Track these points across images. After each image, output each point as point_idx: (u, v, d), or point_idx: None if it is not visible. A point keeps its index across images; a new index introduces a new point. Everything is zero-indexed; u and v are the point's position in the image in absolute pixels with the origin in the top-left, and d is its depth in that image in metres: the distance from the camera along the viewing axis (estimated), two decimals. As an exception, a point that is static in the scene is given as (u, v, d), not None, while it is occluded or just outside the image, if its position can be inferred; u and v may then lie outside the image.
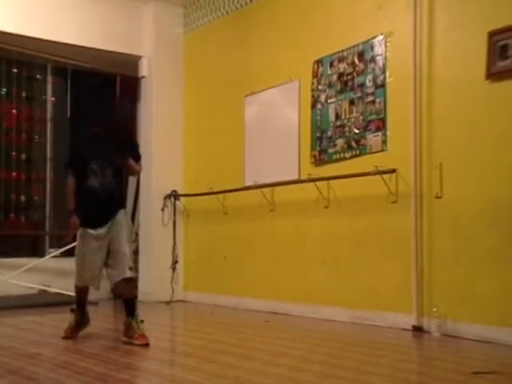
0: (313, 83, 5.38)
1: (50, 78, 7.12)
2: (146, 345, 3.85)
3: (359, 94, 4.96)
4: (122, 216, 4.15)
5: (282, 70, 5.66)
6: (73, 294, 6.33)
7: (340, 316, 4.95)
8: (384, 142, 4.73)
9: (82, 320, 4.30)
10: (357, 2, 5.06)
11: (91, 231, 4.06)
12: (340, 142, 5.09)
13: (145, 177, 6.94)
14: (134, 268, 4.15)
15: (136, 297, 4.23)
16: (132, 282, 4.09)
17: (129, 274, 3.98)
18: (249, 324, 5.07)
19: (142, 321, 4.02)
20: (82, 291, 4.30)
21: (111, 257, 4.05)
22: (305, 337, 4.34)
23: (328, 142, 5.20)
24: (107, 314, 6.16)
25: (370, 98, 4.86)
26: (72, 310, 4.32)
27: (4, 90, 6.81)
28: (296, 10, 5.63)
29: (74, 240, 4.27)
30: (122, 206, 4.32)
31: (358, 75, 4.98)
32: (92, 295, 6.49)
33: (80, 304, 4.33)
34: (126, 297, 4.09)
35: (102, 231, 4.06)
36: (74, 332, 4.22)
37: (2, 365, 3.27)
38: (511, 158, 3.94)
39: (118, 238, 4.04)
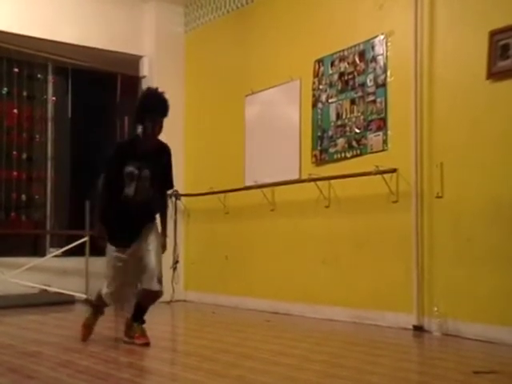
0: (314, 83, 5.38)
1: (50, 78, 7.11)
2: (147, 344, 3.84)
3: (360, 94, 4.96)
4: (154, 226, 3.96)
5: (282, 70, 5.66)
6: (73, 293, 6.40)
7: (341, 315, 4.95)
8: (385, 141, 4.73)
9: (96, 314, 4.12)
10: (358, 2, 5.06)
11: (120, 254, 3.86)
12: (341, 141, 5.09)
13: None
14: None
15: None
16: (157, 297, 3.91)
17: (157, 287, 3.80)
18: (250, 323, 5.07)
19: (143, 321, 4.00)
20: (104, 303, 4.08)
21: (142, 265, 3.85)
22: (306, 336, 4.34)
23: (329, 141, 5.20)
24: (108, 313, 6.15)
25: (371, 98, 4.86)
26: (87, 301, 4.17)
27: (5, 89, 6.81)
28: (297, 9, 5.63)
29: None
30: (155, 215, 4.05)
31: (358, 75, 4.98)
32: (93, 294, 6.52)
33: (101, 308, 4.13)
34: (144, 305, 3.98)
35: (131, 250, 3.86)
36: (90, 330, 4.07)
37: (3, 363, 3.27)
38: (512, 157, 3.94)
39: (148, 251, 3.84)
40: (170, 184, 4.05)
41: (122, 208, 3.85)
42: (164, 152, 3.97)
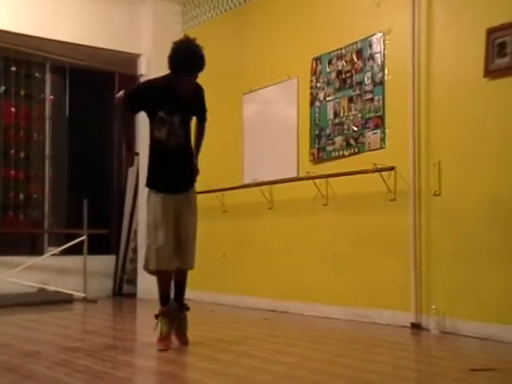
0: (311, 81, 5.38)
1: (48, 76, 7.11)
2: (162, 350, 3.59)
3: (358, 92, 4.96)
4: (194, 197, 3.77)
5: (280, 68, 5.66)
6: (71, 292, 6.40)
7: (339, 314, 4.95)
8: (382, 139, 4.73)
9: (171, 322, 3.74)
10: (355, 0, 5.06)
11: (164, 195, 3.62)
12: (339, 139, 5.10)
13: (144, 174, 6.94)
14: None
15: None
16: (186, 271, 3.79)
17: (190, 263, 3.70)
18: (248, 322, 5.07)
19: (185, 307, 3.86)
20: (164, 277, 3.72)
21: (178, 240, 3.65)
22: (304, 334, 4.34)
23: (326, 139, 5.20)
24: (106, 311, 6.17)
25: (369, 96, 4.86)
26: (156, 317, 3.74)
27: (2, 88, 6.81)
28: (294, 7, 5.62)
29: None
30: (195, 177, 3.86)
31: (356, 73, 4.98)
32: (91, 293, 6.55)
33: (164, 297, 3.75)
34: (182, 282, 3.82)
35: (173, 199, 3.62)
36: (168, 341, 3.67)
37: (1, 363, 3.27)
38: (510, 155, 3.94)
39: (187, 222, 3.67)
40: (204, 116, 3.97)
41: (157, 152, 3.70)
42: (198, 94, 3.83)
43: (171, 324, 3.75)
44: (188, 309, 3.89)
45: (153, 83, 3.81)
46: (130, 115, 3.86)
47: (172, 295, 3.88)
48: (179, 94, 3.66)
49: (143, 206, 6.92)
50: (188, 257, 3.72)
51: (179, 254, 3.68)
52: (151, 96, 3.68)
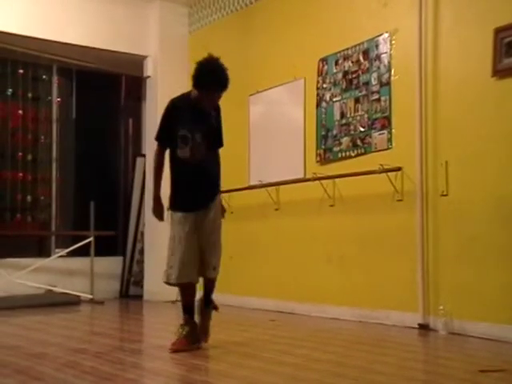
0: (318, 82, 5.37)
1: (55, 79, 7.14)
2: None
3: (364, 92, 4.95)
4: (218, 210, 3.76)
5: (286, 69, 5.66)
6: (78, 293, 6.42)
7: (346, 315, 4.94)
8: (389, 140, 4.72)
9: (193, 331, 3.71)
10: (362, 0, 5.05)
11: (185, 214, 3.65)
12: (345, 140, 5.09)
13: (150, 176, 6.95)
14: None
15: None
16: (213, 281, 3.85)
17: (213, 274, 3.75)
18: (254, 323, 5.06)
19: (213, 306, 3.89)
20: (186, 289, 3.74)
21: (204, 248, 3.69)
22: (311, 335, 4.33)
23: (333, 140, 5.19)
24: (113, 313, 6.18)
25: (375, 96, 4.85)
26: (182, 326, 3.71)
27: (10, 90, 6.84)
28: (300, 8, 5.62)
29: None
30: (218, 186, 3.85)
31: (363, 73, 4.97)
32: (98, 294, 6.56)
33: (188, 308, 3.75)
34: (209, 291, 3.88)
35: (195, 216, 3.65)
36: (182, 343, 3.63)
37: (10, 364, 3.28)
38: (517, 155, 3.93)
39: (209, 237, 3.69)
40: (220, 142, 3.86)
41: (180, 172, 3.68)
42: (216, 111, 3.81)
43: (193, 331, 3.71)
44: (215, 308, 3.89)
45: (172, 104, 3.76)
46: (163, 158, 3.75)
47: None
48: (200, 110, 3.67)
49: (149, 207, 6.96)
50: (211, 268, 3.74)
51: (204, 265, 3.72)
52: (173, 114, 3.69)
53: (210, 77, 3.59)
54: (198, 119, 3.67)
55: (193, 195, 3.69)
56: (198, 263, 3.70)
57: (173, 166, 3.74)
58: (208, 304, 3.88)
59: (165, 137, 3.71)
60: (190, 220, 3.67)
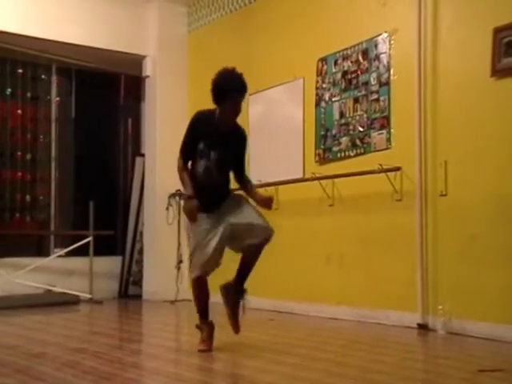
0: (317, 81, 5.37)
1: (54, 78, 7.13)
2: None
3: (363, 92, 4.95)
4: (236, 196, 3.76)
5: (286, 69, 5.66)
6: (77, 293, 6.41)
7: (345, 314, 4.94)
8: (388, 139, 4.72)
9: (211, 329, 3.73)
10: (361, 0, 5.05)
11: (203, 214, 3.61)
12: (344, 140, 5.09)
13: (149, 176, 6.96)
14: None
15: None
16: (270, 237, 3.73)
17: (265, 233, 3.65)
18: (253, 323, 5.06)
19: (245, 291, 3.80)
20: (200, 286, 3.72)
21: (239, 234, 3.61)
22: (310, 335, 4.33)
23: (332, 140, 5.20)
24: (112, 313, 6.18)
25: (375, 96, 4.85)
26: (198, 327, 3.76)
27: (9, 90, 6.83)
28: (300, 7, 5.62)
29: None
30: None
31: (362, 73, 4.97)
32: (97, 294, 6.56)
33: (203, 311, 3.77)
34: (250, 262, 3.75)
35: (214, 216, 3.62)
36: (209, 344, 3.66)
37: (9, 364, 3.28)
38: (516, 155, 3.93)
39: (239, 211, 3.63)
40: (242, 168, 3.87)
41: (197, 182, 3.68)
42: (239, 137, 3.81)
43: (212, 329, 3.72)
44: (246, 292, 3.79)
45: (197, 117, 3.78)
46: (186, 172, 3.74)
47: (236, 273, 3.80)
48: (220, 130, 3.68)
49: (148, 207, 6.98)
50: (258, 230, 3.64)
51: (249, 236, 3.63)
52: (197, 127, 3.71)
53: (227, 84, 3.64)
54: (216, 138, 3.67)
55: (206, 202, 3.65)
56: (216, 261, 3.65)
57: (191, 173, 3.73)
58: (241, 289, 3.76)
59: (188, 150, 3.72)
60: (209, 218, 3.63)
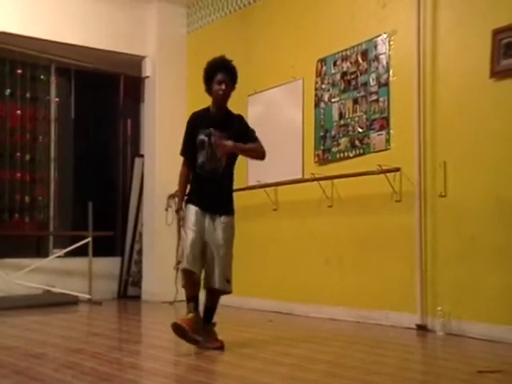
0: (316, 82, 5.38)
1: (53, 79, 7.13)
2: (221, 347, 3.68)
3: (363, 93, 4.95)
4: (231, 226, 3.79)
5: (285, 70, 5.66)
6: (76, 293, 6.41)
7: (344, 315, 4.94)
8: (388, 140, 4.72)
9: (197, 319, 3.70)
10: (360, 1, 5.06)
11: (198, 209, 3.71)
12: (344, 141, 5.09)
13: (148, 177, 6.96)
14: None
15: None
16: (220, 294, 3.78)
17: (225, 286, 3.70)
18: (252, 324, 5.07)
19: (214, 323, 3.83)
20: (188, 278, 3.68)
21: (210, 259, 3.69)
22: (309, 336, 4.33)
23: (331, 141, 5.20)
24: (111, 313, 6.18)
25: (374, 97, 4.85)
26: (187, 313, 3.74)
27: (8, 90, 6.83)
28: (299, 9, 5.62)
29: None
30: (232, 205, 3.88)
31: (361, 74, 4.97)
32: (96, 295, 6.56)
33: (190, 299, 3.72)
34: (210, 305, 3.82)
35: (206, 217, 3.70)
36: (188, 323, 3.63)
37: (8, 365, 3.27)
38: (515, 156, 3.93)
39: (220, 240, 3.71)
40: (253, 139, 3.91)
41: (198, 176, 3.81)
42: (236, 120, 3.90)
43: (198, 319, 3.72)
44: (214, 325, 3.82)
45: (191, 117, 4.00)
46: (187, 177, 3.87)
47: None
48: (215, 120, 3.82)
49: (148, 208, 6.98)
50: (223, 280, 3.69)
51: (213, 275, 3.70)
52: (192, 124, 3.89)
53: (211, 65, 3.85)
54: (214, 124, 3.80)
55: (207, 200, 3.75)
56: (199, 254, 3.67)
57: (194, 170, 3.85)
58: (209, 321, 3.80)
59: (188, 150, 3.85)
60: (202, 216, 3.72)
